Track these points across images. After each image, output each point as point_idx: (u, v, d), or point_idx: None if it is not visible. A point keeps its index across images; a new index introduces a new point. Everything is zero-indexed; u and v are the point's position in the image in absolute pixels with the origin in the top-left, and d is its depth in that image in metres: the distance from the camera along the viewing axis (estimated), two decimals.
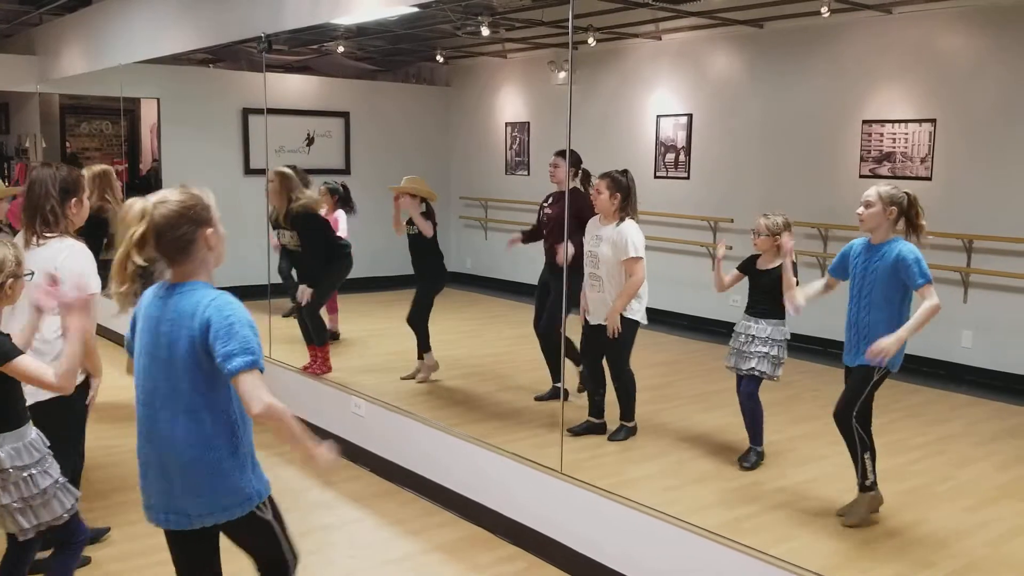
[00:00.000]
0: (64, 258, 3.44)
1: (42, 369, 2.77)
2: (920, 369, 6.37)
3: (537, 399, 5.78)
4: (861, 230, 3.99)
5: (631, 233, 4.84)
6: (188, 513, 2.37)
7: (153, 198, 2.31)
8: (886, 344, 3.65)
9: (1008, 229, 6.33)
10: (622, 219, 4.89)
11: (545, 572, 3.82)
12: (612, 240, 4.87)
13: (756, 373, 4.58)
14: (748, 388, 4.65)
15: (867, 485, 3.97)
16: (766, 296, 4.59)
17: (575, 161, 5.50)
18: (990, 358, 6.50)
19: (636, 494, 3.70)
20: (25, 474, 2.86)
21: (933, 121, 6.74)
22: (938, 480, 4.63)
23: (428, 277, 6.07)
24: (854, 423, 3.89)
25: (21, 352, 2.79)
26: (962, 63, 6.67)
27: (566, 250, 4.74)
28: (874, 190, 3.92)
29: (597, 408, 5.16)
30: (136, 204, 2.30)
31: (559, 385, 5.66)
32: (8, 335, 2.83)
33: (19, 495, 2.85)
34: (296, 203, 5.73)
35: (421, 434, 4.65)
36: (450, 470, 4.45)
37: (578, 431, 5.09)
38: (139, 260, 2.28)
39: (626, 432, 5.06)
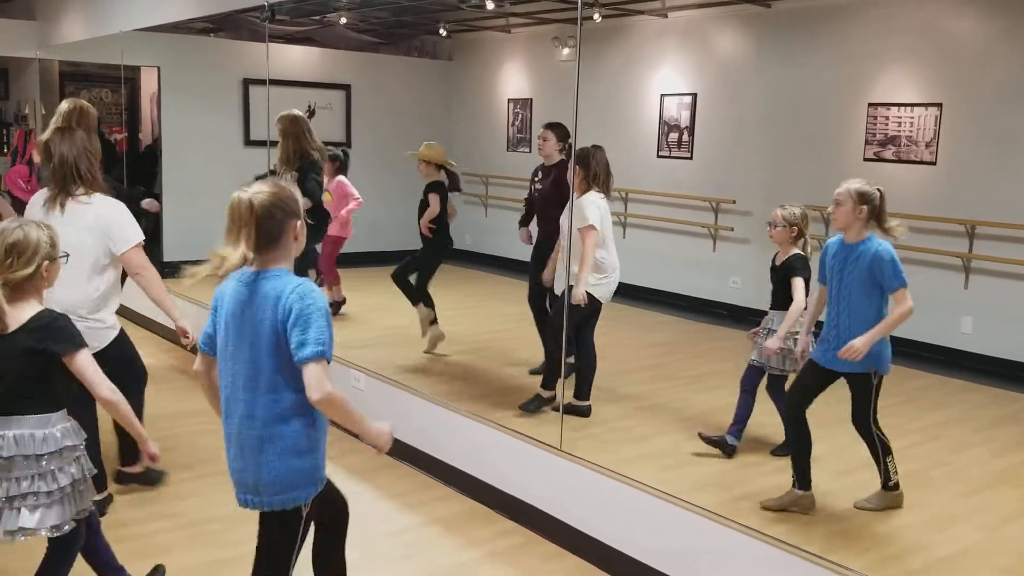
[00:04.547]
0: (105, 212, 3.60)
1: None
2: (919, 354, 6.38)
3: (532, 372, 5.74)
4: (833, 228, 3.91)
5: (586, 204, 4.80)
6: (261, 493, 2.42)
7: (250, 190, 2.36)
8: (858, 345, 3.60)
9: (1011, 216, 6.31)
10: (584, 191, 4.86)
11: (542, 547, 3.83)
12: (574, 211, 4.80)
13: (771, 371, 4.53)
14: (773, 385, 4.59)
15: (890, 485, 3.95)
16: (780, 288, 4.48)
17: (563, 135, 5.46)
18: (990, 344, 6.50)
19: (634, 472, 3.69)
20: (76, 454, 2.73)
21: (939, 105, 6.70)
22: (934, 465, 4.65)
23: (433, 244, 6.06)
24: (874, 429, 3.88)
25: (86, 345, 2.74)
26: (970, 48, 6.62)
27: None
28: (844, 187, 3.76)
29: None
30: (242, 196, 2.33)
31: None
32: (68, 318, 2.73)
33: (72, 478, 2.69)
34: (312, 148, 5.75)
35: (420, 409, 4.66)
36: (449, 445, 4.46)
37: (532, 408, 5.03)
38: (251, 256, 2.34)
39: (578, 412, 4.96)
